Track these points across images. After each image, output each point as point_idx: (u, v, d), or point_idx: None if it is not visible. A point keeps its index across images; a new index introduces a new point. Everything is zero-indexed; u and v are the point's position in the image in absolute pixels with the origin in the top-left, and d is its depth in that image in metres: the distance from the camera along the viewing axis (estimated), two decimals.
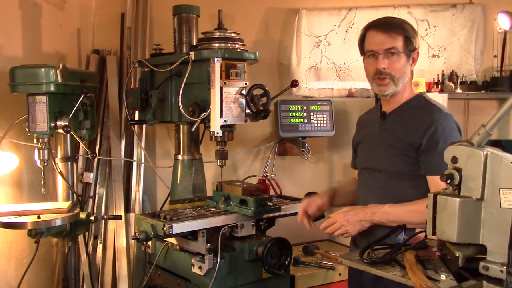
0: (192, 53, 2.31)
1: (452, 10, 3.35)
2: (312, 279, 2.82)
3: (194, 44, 2.52)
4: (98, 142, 3.22)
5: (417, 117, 1.97)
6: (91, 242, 3.14)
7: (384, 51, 1.96)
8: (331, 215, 2.03)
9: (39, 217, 2.12)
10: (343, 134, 3.48)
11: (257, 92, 2.31)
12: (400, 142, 1.99)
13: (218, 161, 2.42)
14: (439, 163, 1.80)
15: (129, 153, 3.30)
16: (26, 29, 2.71)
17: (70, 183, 2.47)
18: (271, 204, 2.25)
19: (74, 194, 2.50)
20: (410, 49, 1.98)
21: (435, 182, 1.87)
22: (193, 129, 2.40)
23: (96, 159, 3.16)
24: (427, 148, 1.91)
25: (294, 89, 3.27)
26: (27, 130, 2.29)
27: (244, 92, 2.27)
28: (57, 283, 2.96)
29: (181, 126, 2.59)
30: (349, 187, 2.34)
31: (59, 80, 2.24)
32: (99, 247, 3.15)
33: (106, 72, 3.29)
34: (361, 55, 2.11)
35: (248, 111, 2.29)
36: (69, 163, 2.50)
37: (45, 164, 2.33)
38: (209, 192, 2.55)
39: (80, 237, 2.75)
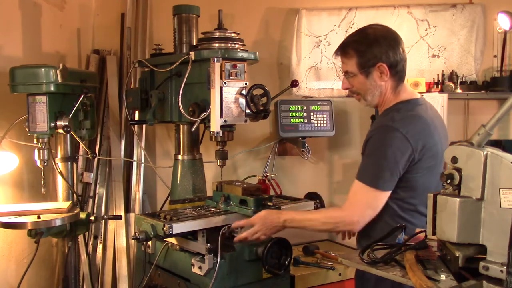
0: (192, 53, 2.31)
1: (452, 10, 3.35)
2: (312, 279, 2.82)
3: (194, 44, 2.52)
4: (98, 142, 3.22)
5: (373, 126, 2.03)
6: (91, 242, 3.14)
7: (344, 74, 2.08)
8: (250, 220, 2.11)
9: (39, 217, 2.12)
10: (343, 134, 3.48)
11: (257, 92, 2.31)
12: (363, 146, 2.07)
13: (218, 161, 2.42)
14: (360, 169, 1.96)
15: (129, 153, 3.30)
16: (26, 29, 2.71)
17: (70, 183, 2.47)
18: (271, 204, 2.25)
19: (74, 194, 2.50)
20: (366, 66, 1.98)
21: (354, 183, 1.96)
22: (193, 129, 2.40)
23: (96, 159, 3.16)
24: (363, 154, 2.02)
25: (294, 89, 3.27)
26: (27, 130, 2.29)
27: (244, 92, 2.27)
28: (57, 283, 2.96)
29: (181, 126, 2.59)
30: None
31: (59, 80, 2.24)
32: (99, 247, 3.15)
33: (106, 72, 3.29)
34: None
35: (248, 111, 2.29)
36: (69, 163, 2.50)
37: (45, 164, 2.33)
38: (209, 192, 2.55)
39: (80, 237, 2.75)
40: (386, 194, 1.91)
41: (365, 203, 1.93)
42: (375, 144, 1.93)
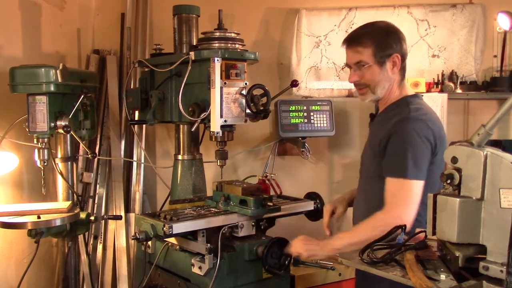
0: (192, 53, 2.31)
1: (452, 10, 3.35)
2: (312, 279, 2.82)
3: (194, 44, 2.52)
4: (98, 142, 3.22)
5: (388, 120, 1.98)
6: (91, 242, 3.14)
7: (354, 65, 2.03)
8: (293, 241, 2.09)
9: (39, 217, 2.12)
10: (343, 134, 3.48)
11: (257, 92, 2.31)
12: (374, 143, 2.02)
13: (218, 161, 2.42)
14: (392, 165, 1.89)
15: (129, 153, 3.30)
16: (26, 29, 2.71)
17: (70, 183, 2.47)
18: (271, 204, 2.25)
19: (74, 194, 2.50)
20: (382, 56, 1.98)
21: (388, 183, 1.90)
22: (193, 129, 2.40)
23: (96, 159, 3.16)
24: (386, 151, 1.94)
25: (294, 89, 3.26)
26: (27, 130, 2.29)
27: (244, 92, 2.27)
28: (57, 283, 2.96)
29: (181, 126, 2.59)
30: None
31: (59, 80, 2.24)
32: (99, 247, 3.15)
33: (106, 72, 3.29)
34: None
35: (248, 111, 2.29)
36: (69, 163, 2.50)
37: (45, 164, 2.33)
38: (209, 192, 2.55)
39: (80, 237, 2.75)
40: (423, 183, 1.87)
41: (408, 199, 1.84)
42: (402, 138, 1.89)
